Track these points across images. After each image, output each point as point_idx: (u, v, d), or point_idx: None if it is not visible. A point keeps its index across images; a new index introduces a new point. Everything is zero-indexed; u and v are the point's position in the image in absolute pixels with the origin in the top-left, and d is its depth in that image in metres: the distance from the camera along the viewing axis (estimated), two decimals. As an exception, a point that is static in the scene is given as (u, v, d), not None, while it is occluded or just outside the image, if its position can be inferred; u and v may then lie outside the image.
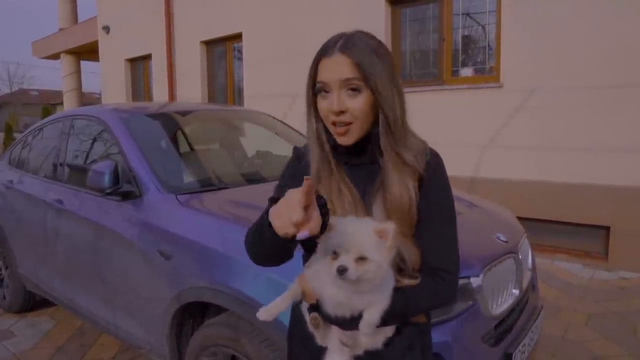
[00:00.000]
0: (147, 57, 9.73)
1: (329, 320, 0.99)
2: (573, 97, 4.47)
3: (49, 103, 32.23)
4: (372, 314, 0.95)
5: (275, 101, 6.55)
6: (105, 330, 2.73)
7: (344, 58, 0.99)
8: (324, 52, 1.03)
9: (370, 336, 0.98)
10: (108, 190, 2.32)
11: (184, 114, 3.34)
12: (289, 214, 0.83)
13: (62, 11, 13.49)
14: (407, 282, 1.01)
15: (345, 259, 0.88)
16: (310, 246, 0.97)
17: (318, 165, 1.07)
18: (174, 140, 3.01)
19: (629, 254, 4.28)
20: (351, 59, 0.99)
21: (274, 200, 0.99)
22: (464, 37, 5.44)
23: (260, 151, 3.39)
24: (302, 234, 0.84)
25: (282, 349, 1.56)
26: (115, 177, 2.33)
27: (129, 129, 2.65)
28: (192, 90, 8.46)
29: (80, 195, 2.76)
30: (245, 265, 1.77)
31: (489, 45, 5.24)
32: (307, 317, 1.03)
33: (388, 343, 1.03)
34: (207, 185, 2.56)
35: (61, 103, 14.80)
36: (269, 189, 1.19)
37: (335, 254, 0.89)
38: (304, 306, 1.06)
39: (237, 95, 8.09)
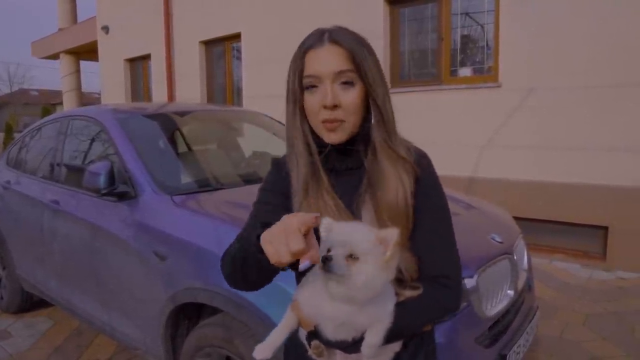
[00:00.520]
0: (146, 57, 9.73)
1: (330, 345, 0.90)
2: (571, 97, 4.47)
3: (49, 103, 32.27)
4: (374, 335, 0.87)
5: (274, 102, 6.51)
6: (101, 331, 2.73)
7: (336, 48, 0.93)
8: (311, 44, 0.95)
9: (374, 357, 0.90)
10: (104, 191, 2.32)
11: (181, 114, 3.34)
12: (286, 242, 0.75)
13: (62, 11, 13.49)
14: (408, 293, 0.92)
15: (335, 252, 0.81)
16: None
17: (306, 172, 0.97)
18: (171, 141, 3.01)
19: (627, 254, 4.27)
20: (344, 49, 0.93)
21: (253, 217, 0.95)
22: (463, 37, 5.44)
23: (257, 152, 3.39)
24: (304, 265, 0.77)
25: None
26: (111, 178, 2.33)
27: (125, 129, 2.65)
28: (191, 90, 8.46)
29: (77, 196, 2.76)
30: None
31: (487, 45, 5.24)
32: (307, 345, 0.95)
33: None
34: (204, 186, 2.56)
35: (61, 103, 14.80)
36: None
37: (329, 252, 0.82)
38: (302, 334, 0.96)
39: (236, 96, 8.08)
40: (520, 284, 2.18)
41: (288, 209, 1.00)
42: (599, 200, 4.40)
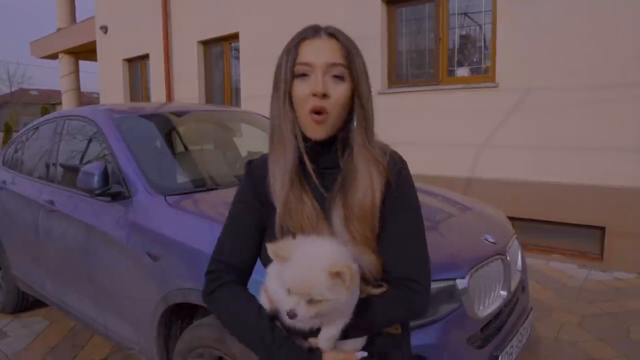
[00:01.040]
0: (144, 57, 9.73)
1: (289, 330, 0.91)
2: (568, 97, 4.46)
3: (48, 103, 32.29)
4: (331, 329, 0.88)
5: (272, 101, 6.54)
6: (96, 331, 2.73)
7: (334, 42, 0.96)
8: (307, 35, 0.97)
9: (332, 349, 0.91)
10: (97, 191, 2.32)
11: (177, 114, 3.34)
12: None
13: (61, 11, 13.48)
14: (372, 291, 0.93)
15: (296, 304, 0.83)
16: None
17: (292, 166, 0.97)
18: (166, 141, 3.01)
19: (624, 255, 4.27)
20: (340, 44, 0.96)
21: (233, 234, 1.01)
22: (460, 37, 5.44)
23: (252, 152, 3.38)
24: None
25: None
26: (105, 178, 2.33)
27: (120, 129, 2.65)
28: (189, 90, 8.46)
29: (71, 196, 2.76)
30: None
31: (484, 45, 5.24)
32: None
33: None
34: (198, 186, 2.56)
35: (61, 103, 14.80)
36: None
37: (289, 291, 0.84)
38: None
39: (234, 96, 8.08)
40: (514, 284, 2.18)
41: (262, 217, 1.01)
42: (596, 201, 4.39)
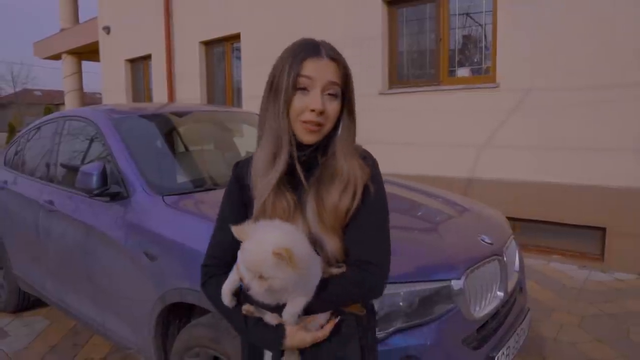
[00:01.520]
0: (147, 58, 9.76)
1: (259, 305, 1.04)
2: (569, 97, 4.45)
3: (52, 103, 32.41)
4: (294, 305, 1.01)
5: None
6: (95, 330, 2.74)
7: (334, 65, 1.08)
8: (310, 53, 1.07)
9: (296, 324, 1.03)
10: (96, 192, 2.33)
11: (178, 115, 3.35)
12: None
13: (64, 12, 13.54)
14: (333, 271, 1.06)
15: (249, 278, 0.96)
16: None
17: (283, 168, 1.08)
18: (166, 142, 3.02)
19: (625, 255, 4.26)
20: (339, 67, 1.09)
21: (223, 234, 1.10)
22: (461, 38, 5.44)
23: (251, 152, 3.39)
24: None
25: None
26: (104, 178, 2.34)
27: (118, 130, 2.66)
28: (191, 90, 8.48)
29: (71, 196, 2.77)
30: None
31: (485, 46, 5.23)
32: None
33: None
34: (196, 186, 2.57)
35: (64, 103, 14.86)
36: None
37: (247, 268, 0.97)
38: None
39: (236, 96, 8.09)
40: (511, 285, 2.17)
41: (248, 214, 1.13)
42: (597, 201, 4.38)
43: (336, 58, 1.09)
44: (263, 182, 1.08)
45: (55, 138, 3.26)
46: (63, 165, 3.06)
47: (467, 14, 5.34)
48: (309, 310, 1.03)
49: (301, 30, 7.28)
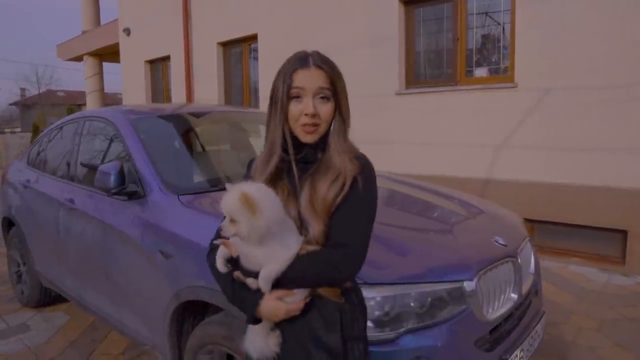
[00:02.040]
0: (166, 59, 9.90)
1: (245, 273, 1.20)
2: (589, 97, 4.37)
3: (74, 103, 33.07)
4: (268, 270, 1.15)
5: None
6: (112, 327, 2.80)
7: (320, 72, 1.22)
8: (299, 64, 1.23)
9: (270, 291, 1.17)
10: (113, 190, 2.38)
11: (195, 115, 3.40)
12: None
13: (85, 14, 13.82)
14: (309, 247, 1.17)
15: (224, 222, 1.15)
16: None
17: (277, 162, 1.26)
18: (182, 142, 3.06)
19: (647, 259, 4.16)
20: (325, 73, 1.23)
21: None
22: (479, 37, 5.38)
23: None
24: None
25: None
26: (121, 178, 2.39)
27: (136, 130, 2.71)
28: (209, 91, 8.57)
29: (90, 195, 2.83)
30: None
31: (503, 45, 5.16)
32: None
33: (305, 317, 1.19)
34: (213, 185, 2.60)
35: (85, 103, 15.17)
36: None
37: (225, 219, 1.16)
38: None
39: (253, 96, 8.15)
40: (526, 287, 2.15)
41: None
42: (617, 204, 4.29)
43: (321, 66, 1.22)
44: (260, 178, 1.26)
45: (76, 138, 3.34)
46: (83, 165, 3.13)
47: (485, 13, 5.28)
48: (284, 281, 1.16)
49: (318, 31, 7.26)
